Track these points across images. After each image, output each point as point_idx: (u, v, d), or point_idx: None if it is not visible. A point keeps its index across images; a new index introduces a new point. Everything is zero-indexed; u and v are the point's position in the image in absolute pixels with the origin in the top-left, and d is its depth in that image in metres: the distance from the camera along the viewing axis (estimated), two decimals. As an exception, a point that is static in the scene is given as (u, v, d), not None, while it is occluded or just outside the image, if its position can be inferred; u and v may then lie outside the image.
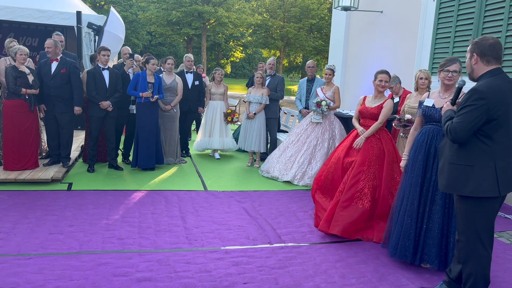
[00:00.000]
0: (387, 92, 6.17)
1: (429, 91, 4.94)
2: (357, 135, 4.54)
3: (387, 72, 4.43)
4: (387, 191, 4.15)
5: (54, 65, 5.68)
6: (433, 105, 3.43)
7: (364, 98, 4.59)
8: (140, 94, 6.06)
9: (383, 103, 4.41)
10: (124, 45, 8.65)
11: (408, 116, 4.78)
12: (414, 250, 3.45)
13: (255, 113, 6.90)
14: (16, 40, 6.08)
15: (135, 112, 6.17)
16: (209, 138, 7.47)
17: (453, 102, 2.87)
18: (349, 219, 4.07)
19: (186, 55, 7.55)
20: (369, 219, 4.13)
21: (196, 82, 7.37)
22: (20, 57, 5.34)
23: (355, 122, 4.61)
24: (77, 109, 5.82)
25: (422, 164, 3.41)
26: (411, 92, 5.39)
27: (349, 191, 4.18)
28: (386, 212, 4.11)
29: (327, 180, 4.67)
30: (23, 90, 5.33)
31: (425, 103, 3.50)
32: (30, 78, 5.43)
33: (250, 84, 9.31)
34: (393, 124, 5.00)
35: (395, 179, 4.22)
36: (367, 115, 4.46)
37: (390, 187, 4.19)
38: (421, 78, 4.88)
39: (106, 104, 5.91)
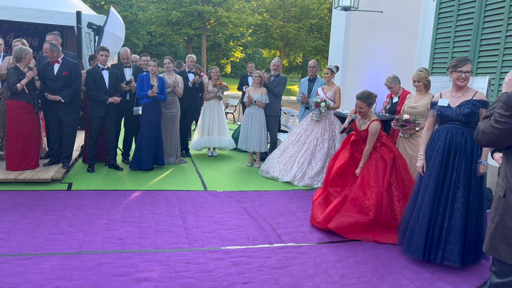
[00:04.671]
0: (385, 92, 6.17)
1: (428, 91, 4.95)
2: (357, 141, 4.52)
3: (362, 98, 4.26)
4: (389, 201, 4.14)
5: (56, 67, 5.67)
6: (448, 104, 3.47)
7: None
8: (148, 92, 6.06)
9: (369, 125, 4.30)
10: (124, 45, 8.65)
11: (406, 116, 4.76)
12: (430, 248, 3.48)
13: (255, 101, 6.88)
14: (22, 40, 6.03)
15: (140, 113, 6.15)
16: (207, 136, 7.49)
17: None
18: (349, 220, 4.10)
19: (189, 55, 7.62)
20: (370, 225, 4.12)
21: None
22: (30, 59, 5.36)
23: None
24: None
25: (440, 162, 3.45)
26: (410, 92, 5.38)
27: (353, 204, 4.19)
28: (388, 222, 4.10)
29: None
30: (18, 85, 5.27)
31: (439, 103, 3.53)
32: (38, 83, 5.47)
33: (240, 84, 9.33)
34: (392, 124, 5.00)
35: (399, 184, 4.24)
36: (359, 135, 4.48)
37: (392, 196, 4.19)
38: (414, 81, 4.86)
39: (115, 99, 5.93)
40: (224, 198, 5.23)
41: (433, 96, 4.81)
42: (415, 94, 4.92)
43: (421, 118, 4.77)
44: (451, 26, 6.25)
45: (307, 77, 7.01)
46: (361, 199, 4.16)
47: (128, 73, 6.59)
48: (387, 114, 5.74)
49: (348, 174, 4.49)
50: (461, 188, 3.40)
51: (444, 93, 3.61)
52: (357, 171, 4.39)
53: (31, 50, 5.45)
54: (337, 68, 6.56)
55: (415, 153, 4.77)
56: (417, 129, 4.73)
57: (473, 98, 3.42)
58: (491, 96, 5.09)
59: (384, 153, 4.32)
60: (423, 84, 4.78)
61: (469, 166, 3.40)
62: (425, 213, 3.49)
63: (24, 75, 5.32)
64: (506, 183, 2.09)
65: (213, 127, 7.47)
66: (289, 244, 3.91)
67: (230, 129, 8.01)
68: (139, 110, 6.14)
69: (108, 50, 6.06)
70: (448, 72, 3.54)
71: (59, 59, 5.69)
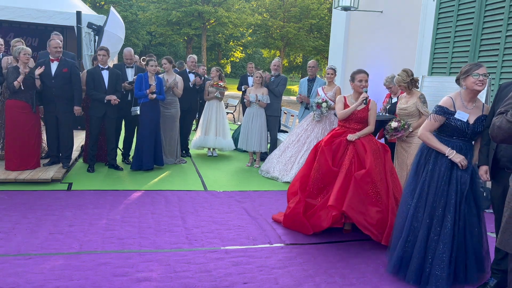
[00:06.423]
0: (384, 92, 6.17)
1: (415, 87, 4.86)
2: (342, 135, 4.25)
3: (365, 72, 4.26)
4: (392, 186, 4.01)
5: (54, 65, 5.67)
6: (467, 120, 3.09)
7: (345, 99, 4.34)
8: (146, 91, 6.05)
9: (368, 105, 4.22)
10: (124, 45, 8.65)
11: (394, 125, 4.74)
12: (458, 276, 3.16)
13: (259, 100, 6.87)
14: (22, 41, 6.07)
15: (138, 113, 6.14)
16: (204, 136, 7.50)
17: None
18: (362, 205, 3.84)
19: (190, 56, 7.63)
20: (382, 212, 3.87)
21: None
22: (24, 57, 5.35)
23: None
24: (77, 109, 5.81)
25: (456, 180, 3.13)
26: None
27: (363, 189, 3.89)
28: (394, 210, 3.86)
29: (317, 184, 4.16)
30: (15, 83, 5.26)
31: (457, 117, 3.11)
32: (38, 83, 5.46)
33: (240, 84, 9.33)
34: (385, 135, 5.02)
35: (394, 175, 4.14)
36: (353, 119, 4.21)
37: (394, 185, 4.08)
38: (389, 87, 4.99)
39: (112, 98, 5.92)
40: (224, 198, 5.23)
41: (422, 94, 4.80)
42: (404, 95, 4.95)
43: (412, 119, 4.74)
44: (451, 26, 6.25)
45: (307, 77, 7.02)
46: (371, 183, 3.89)
47: (130, 74, 6.59)
48: (387, 114, 5.74)
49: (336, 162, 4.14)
50: (471, 201, 3.17)
51: (455, 99, 3.17)
52: (353, 136, 4.12)
53: (28, 50, 5.44)
54: (336, 67, 6.61)
55: (412, 150, 4.70)
56: (410, 129, 4.71)
57: (483, 113, 3.15)
58: (491, 96, 5.09)
59: (379, 143, 4.23)
60: (405, 87, 4.79)
61: (470, 178, 3.17)
62: (448, 239, 3.09)
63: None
64: None
65: (210, 127, 7.48)
66: (289, 244, 3.91)
67: (230, 129, 8.01)
68: (137, 110, 6.14)
69: (106, 50, 6.06)
70: (460, 81, 3.16)
71: (58, 57, 5.71)
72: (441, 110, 3.17)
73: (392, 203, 3.90)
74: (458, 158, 3.11)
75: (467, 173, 3.14)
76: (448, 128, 3.16)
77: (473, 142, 3.24)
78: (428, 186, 3.20)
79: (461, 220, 3.13)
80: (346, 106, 4.29)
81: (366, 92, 4.20)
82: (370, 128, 4.24)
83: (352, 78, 4.29)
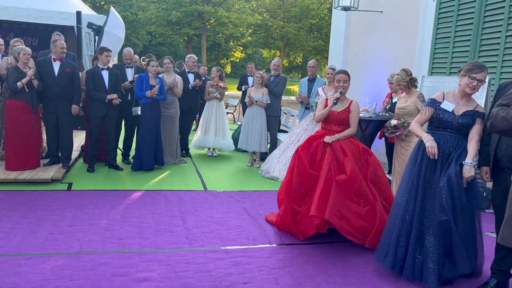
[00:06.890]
0: (384, 92, 6.17)
1: (414, 87, 4.89)
2: (320, 138, 4.16)
3: (345, 72, 4.16)
4: (376, 189, 3.94)
5: (57, 65, 5.67)
6: (453, 111, 3.16)
7: (326, 100, 4.23)
8: (147, 93, 6.04)
9: (349, 106, 4.13)
10: (124, 45, 8.65)
11: (394, 122, 4.76)
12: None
13: (256, 101, 6.88)
14: (21, 41, 6.09)
15: (139, 113, 6.14)
16: (203, 136, 7.50)
17: None
18: (346, 210, 3.76)
19: (190, 55, 7.59)
20: (371, 219, 3.82)
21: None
22: (24, 57, 5.35)
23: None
24: (75, 107, 5.78)
25: (437, 174, 3.17)
26: None
27: (342, 193, 3.82)
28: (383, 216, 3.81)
29: (299, 190, 4.07)
30: (19, 83, 5.26)
31: (443, 106, 3.19)
32: (35, 83, 5.45)
33: (240, 84, 9.33)
34: (384, 133, 5.04)
35: (381, 179, 4.04)
36: (333, 120, 4.11)
37: (379, 189, 3.99)
38: (391, 83, 4.96)
39: (113, 97, 5.91)
40: (224, 198, 5.23)
41: (421, 93, 4.84)
42: (404, 95, 4.97)
43: (411, 118, 4.75)
44: (451, 26, 6.25)
45: (307, 77, 7.02)
46: (353, 188, 3.82)
47: (130, 74, 6.59)
48: (387, 114, 5.75)
49: (315, 166, 4.04)
50: (464, 195, 3.13)
51: (447, 94, 3.27)
52: (330, 138, 4.03)
53: (28, 49, 5.43)
54: (335, 67, 6.60)
55: (412, 149, 4.68)
56: (409, 129, 4.73)
57: (475, 109, 3.18)
58: (491, 96, 5.09)
59: (361, 145, 4.11)
60: (404, 86, 4.82)
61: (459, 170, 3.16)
62: (438, 233, 3.09)
63: (23, 73, 5.33)
64: None
65: (209, 127, 7.48)
66: (289, 244, 3.91)
67: (230, 129, 8.01)
68: (137, 110, 6.13)
69: (111, 51, 6.09)
70: (459, 75, 3.19)
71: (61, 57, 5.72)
72: (430, 102, 3.30)
73: (379, 206, 3.82)
74: (428, 142, 3.16)
75: (452, 167, 3.10)
76: (436, 120, 3.25)
77: (464, 137, 3.20)
78: (417, 179, 3.24)
79: (447, 215, 3.10)
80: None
81: (341, 93, 4.07)
82: (352, 130, 4.13)
83: (333, 79, 4.25)
